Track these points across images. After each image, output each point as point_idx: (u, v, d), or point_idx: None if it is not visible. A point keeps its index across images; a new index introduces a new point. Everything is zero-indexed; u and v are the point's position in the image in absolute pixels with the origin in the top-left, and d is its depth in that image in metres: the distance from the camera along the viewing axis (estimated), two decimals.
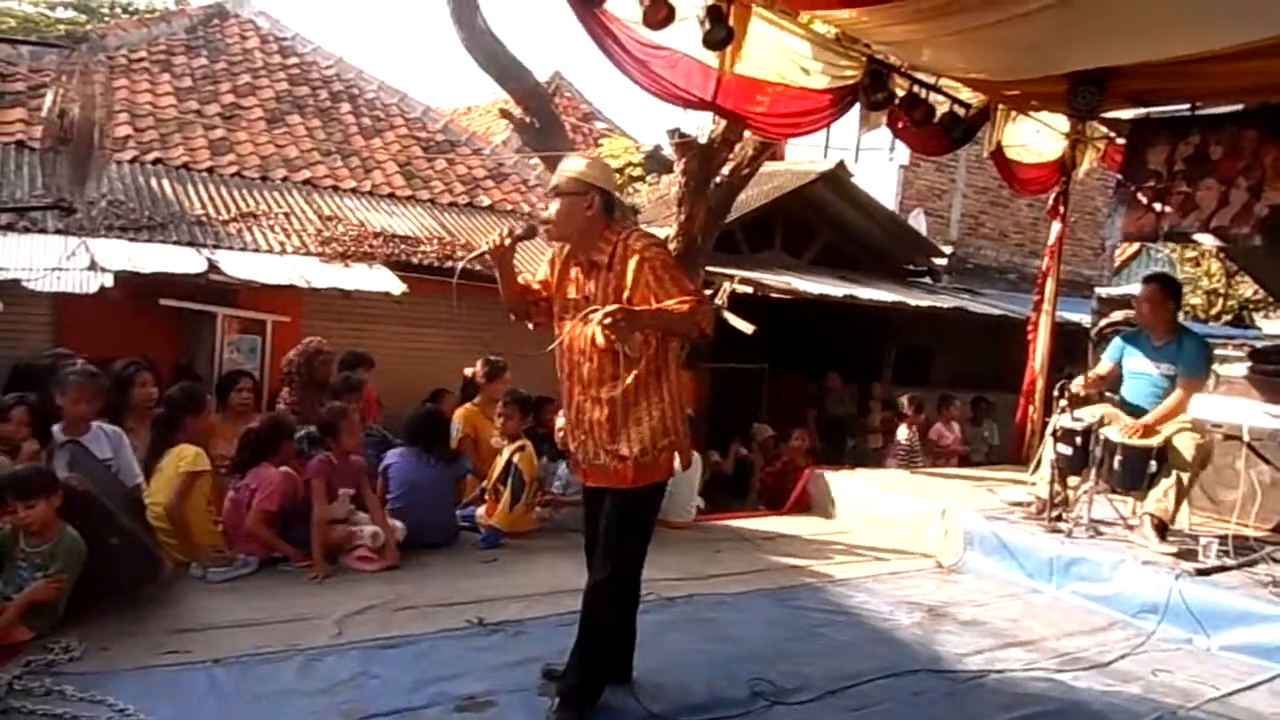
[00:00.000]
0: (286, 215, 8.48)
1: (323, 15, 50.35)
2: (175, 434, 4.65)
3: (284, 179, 9.27)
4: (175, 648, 3.45)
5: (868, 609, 4.57)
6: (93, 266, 6.29)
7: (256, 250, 7.65)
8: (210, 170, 8.93)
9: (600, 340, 3.04)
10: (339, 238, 8.14)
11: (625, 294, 3.04)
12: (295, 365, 6.15)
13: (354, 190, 9.58)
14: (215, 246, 7.39)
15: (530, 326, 3.40)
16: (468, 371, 6.74)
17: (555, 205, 3.16)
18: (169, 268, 6.62)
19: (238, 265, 6.99)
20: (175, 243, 7.29)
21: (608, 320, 2.86)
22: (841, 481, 6.81)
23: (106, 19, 16.77)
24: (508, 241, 3.19)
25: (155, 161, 8.72)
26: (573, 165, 3.22)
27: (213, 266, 6.81)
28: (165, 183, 8.40)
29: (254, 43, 11.23)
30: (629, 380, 3.08)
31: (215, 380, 6.55)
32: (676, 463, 3.23)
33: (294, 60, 11.28)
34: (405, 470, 5.16)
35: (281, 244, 7.89)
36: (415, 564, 4.73)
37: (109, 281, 6.17)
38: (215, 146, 9.26)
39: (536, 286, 3.37)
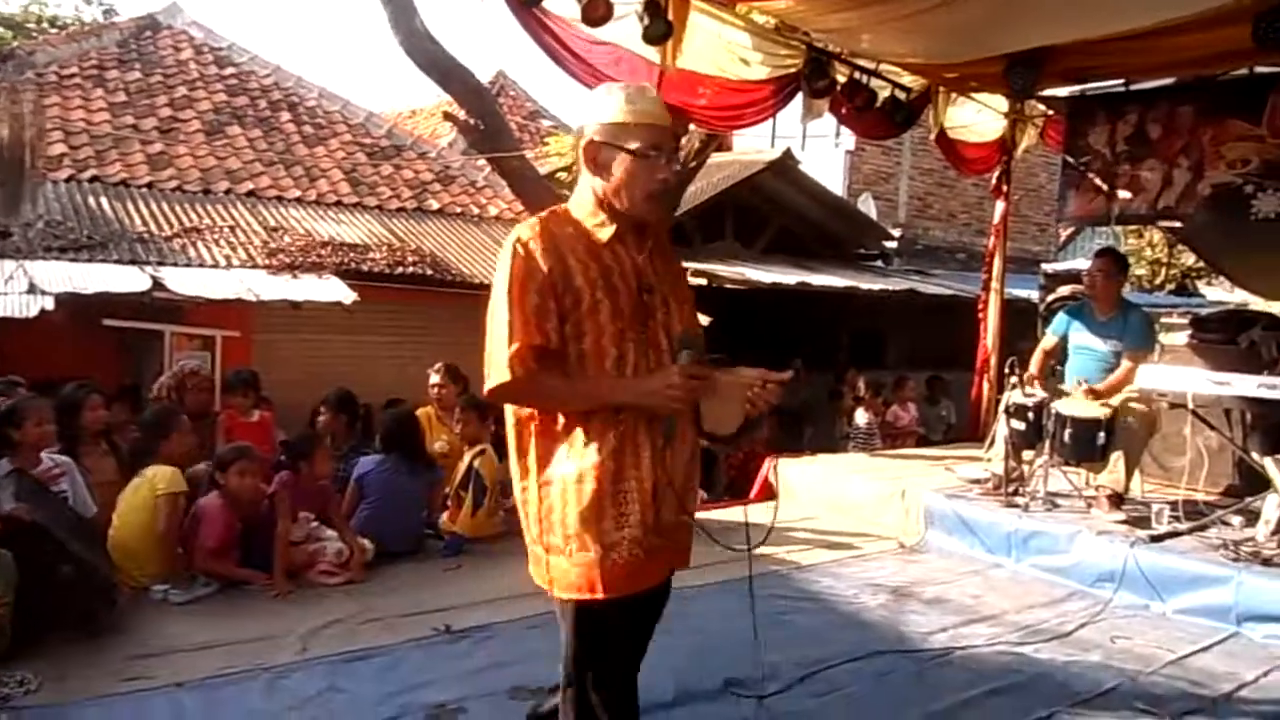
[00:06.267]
0: (231, 228, 8.37)
1: (257, 24, 49.53)
2: (147, 459, 4.54)
3: (227, 191, 9.15)
4: (136, 674, 3.37)
5: (833, 593, 4.61)
6: (32, 290, 6.16)
7: (201, 265, 7.55)
8: (150, 185, 8.79)
9: None
10: (286, 249, 8.05)
11: None
12: (166, 391, 5.76)
13: (299, 200, 9.48)
14: (159, 263, 7.27)
15: None
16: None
17: None
18: (111, 287, 6.50)
19: (183, 281, 6.88)
20: (117, 261, 7.16)
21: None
22: (802, 468, 6.86)
23: (34, 35, 16.39)
24: None
25: (92, 179, 8.56)
26: None
27: (157, 284, 6.70)
28: (104, 200, 8.25)
29: (188, 54, 11.05)
30: None
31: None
32: None
33: (231, 70, 11.12)
34: (385, 481, 5.07)
35: (227, 257, 7.79)
36: (379, 575, 4.68)
37: (49, 304, 6.04)
38: (154, 161, 9.10)
39: None
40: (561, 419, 2.22)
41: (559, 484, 2.22)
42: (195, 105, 10.23)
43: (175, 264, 7.38)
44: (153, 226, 7.99)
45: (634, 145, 2.19)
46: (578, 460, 2.20)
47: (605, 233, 2.25)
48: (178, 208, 8.53)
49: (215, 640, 3.72)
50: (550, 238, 2.19)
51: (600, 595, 2.22)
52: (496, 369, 2.15)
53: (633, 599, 2.28)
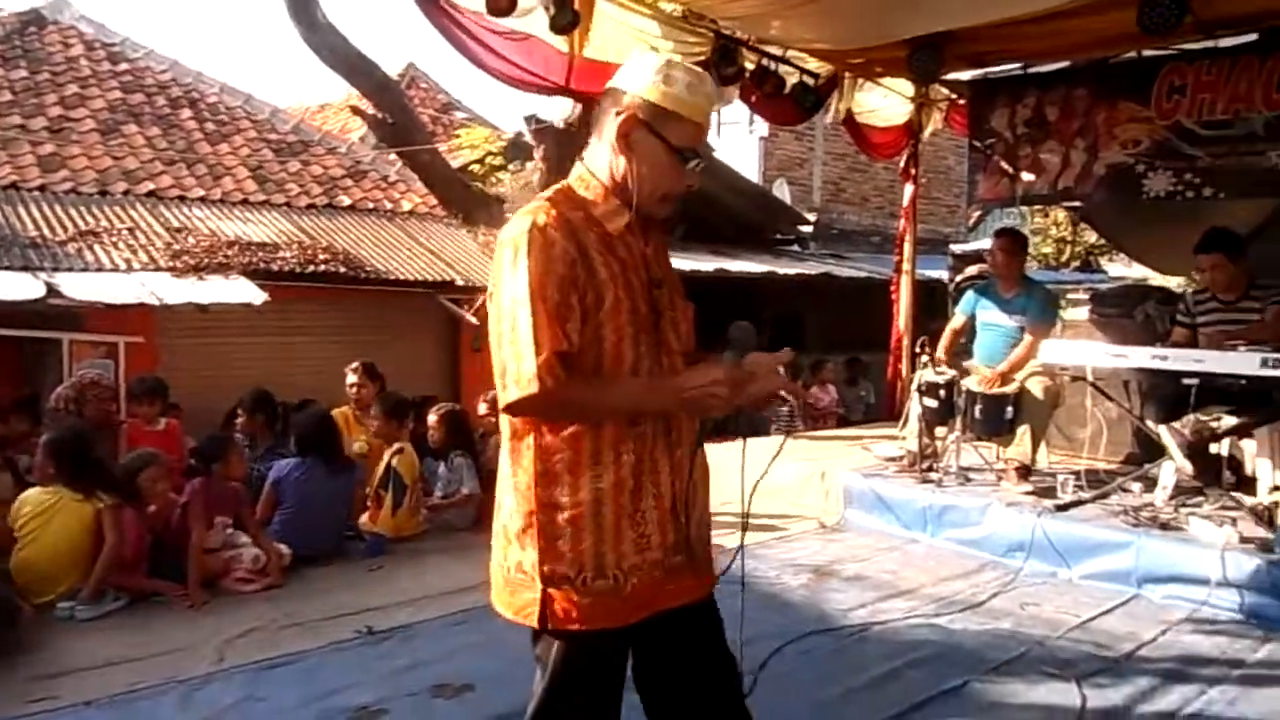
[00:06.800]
0: (131, 230, 8.09)
1: (152, 18, 47.86)
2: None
3: (125, 192, 8.83)
4: (42, 694, 3.24)
5: (756, 575, 4.65)
6: None
7: (100, 269, 7.27)
8: (42, 188, 8.45)
9: None
10: (190, 250, 7.81)
11: None
12: (66, 401, 5.45)
13: (203, 199, 9.20)
14: (54, 269, 6.99)
15: None
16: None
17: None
18: (2, 295, 6.22)
19: (80, 287, 6.63)
20: (7, 268, 6.86)
21: None
22: (724, 453, 6.92)
23: None
24: None
25: None
26: None
27: (52, 290, 6.44)
28: None
29: (78, 50, 10.60)
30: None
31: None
32: None
33: (125, 66, 10.71)
34: (302, 484, 4.97)
35: (128, 261, 7.53)
36: (300, 579, 4.60)
37: None
38: (45, 162, 8.74)
39: None
40: (568, 431, 1.91)
41: (570, 510, 1.91)
42: (88, 104, 9.83)
43: (71, 269, 7.11)
44: (46, 230, 7.67)
45: (678, 141, 1.92)
46: (591, 481, 1.91)
47: (619, 222, 1.95)
48: (72, 210, 8.20)
49: (126, 655, 3.61)
50: (567, 225, 1.88)
51: (613, 625, 1.95)
52: (520, 380, 1.83)
53: (651, 623, 2.01)
